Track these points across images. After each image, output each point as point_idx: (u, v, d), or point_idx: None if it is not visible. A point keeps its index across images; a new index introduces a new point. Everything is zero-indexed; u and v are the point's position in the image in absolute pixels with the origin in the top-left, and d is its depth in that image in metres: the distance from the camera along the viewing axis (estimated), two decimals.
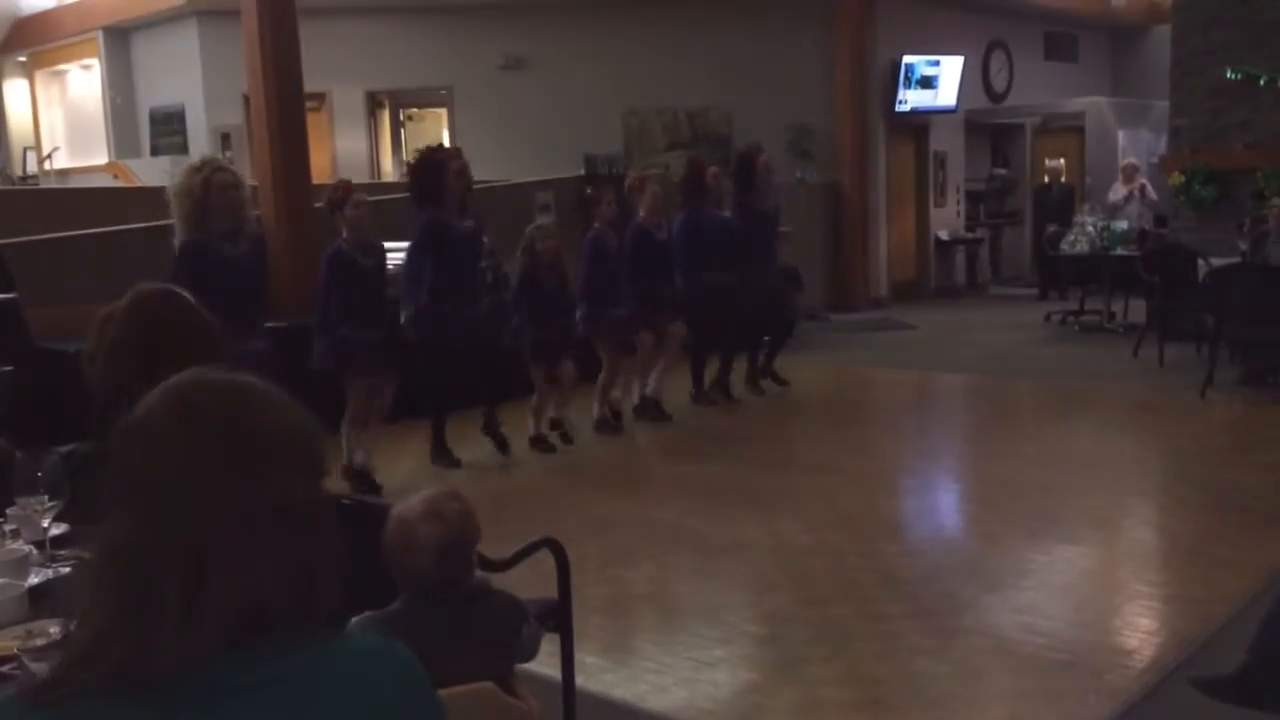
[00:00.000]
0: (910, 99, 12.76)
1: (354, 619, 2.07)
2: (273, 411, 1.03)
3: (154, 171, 11.42)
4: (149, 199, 8.86)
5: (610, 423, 6.81)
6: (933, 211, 13.64)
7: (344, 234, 5.53)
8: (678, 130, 12.25)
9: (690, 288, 7.06)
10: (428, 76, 12.17)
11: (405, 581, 2.08)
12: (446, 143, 12.66)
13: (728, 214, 7.37)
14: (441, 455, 6.11)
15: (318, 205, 6.98)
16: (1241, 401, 7.41)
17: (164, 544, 0.94)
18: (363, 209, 5.54)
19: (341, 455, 5.57)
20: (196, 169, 4.83)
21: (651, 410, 7.04)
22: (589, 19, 11.80)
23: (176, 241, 4.86)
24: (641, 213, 6.99)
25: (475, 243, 6.01)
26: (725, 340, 7.52)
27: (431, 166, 5.85)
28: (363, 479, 5.58)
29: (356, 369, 5.57)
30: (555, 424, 6.51)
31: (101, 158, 12.80)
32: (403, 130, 13.16)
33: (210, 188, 4.75)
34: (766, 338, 7.84)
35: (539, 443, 6.39)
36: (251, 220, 5.01)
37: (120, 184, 11.40)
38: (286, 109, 7.71)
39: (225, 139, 11.88)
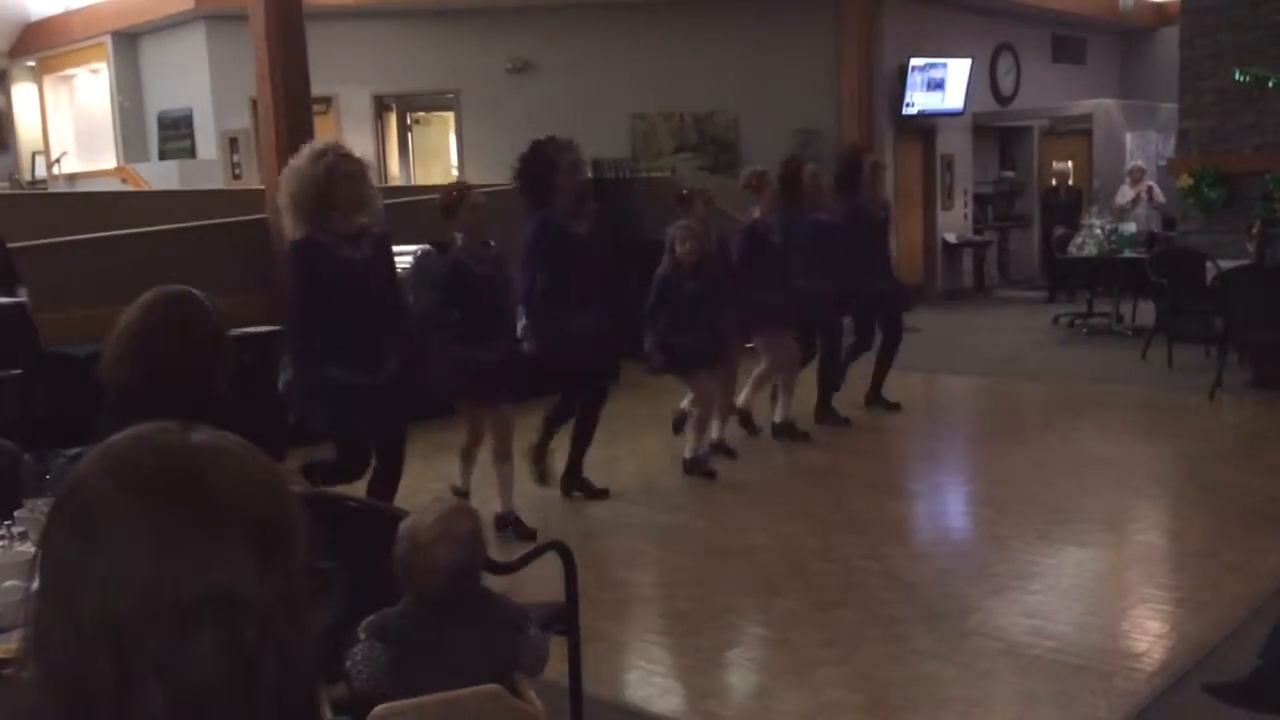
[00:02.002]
0: (917, 102, 12.75)
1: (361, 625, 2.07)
2: (224, 482, 0.88)
3: (162, 175, 11.47)
4: (162, 202, 8.90)
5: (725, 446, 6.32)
6: (940, 214, 13.62)
7: (459, 240, 4.94)
8: (684, 134, 12.26)
9: (786, 295, 6.49)
10: (435, 80, 12.20)
11: (413, 591, 2.09)
12: (454, 150, 12.76)
13: (826, 217, 6.78)
14: (579, 483, 5.58)
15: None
16: (1251, 404, 7.38)
17: (82, 642, 0.83)
18: (481, 211, 4.93)
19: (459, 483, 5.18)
20: (319, 153, 4.13)
21: (789, 431, 6.63)
22: (595, 23, 11.81)
23: (289, 238, 4.22)
24: (757, 212, 6.46)
25: (593, 246, 5.42)
26: (824, 354, 6.99)
27: (540, 163, 5.19)
28: (515, 524, 5.05)
29: (476, 393, 4.99)
30: (716, 445, 6.15)
31: (110, 162, 12.84)
32: (410, 134, 13.19)
33: (334, 177, 4.07)
34: (868, 351, 7.34)
35: (697, 466, 5.89)
36: (379, 215, 4.35)
37: (129, 188, 11.43)
38: (294, 112, 7.72)
39: (233, 143, 11.90)
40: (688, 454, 5.91)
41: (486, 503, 4.94)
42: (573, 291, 5.23)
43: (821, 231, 6.70)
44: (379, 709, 1.83)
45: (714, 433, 6.34)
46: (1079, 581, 4.37)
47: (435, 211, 5.00)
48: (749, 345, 6.65)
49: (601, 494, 5.57)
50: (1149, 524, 5.21)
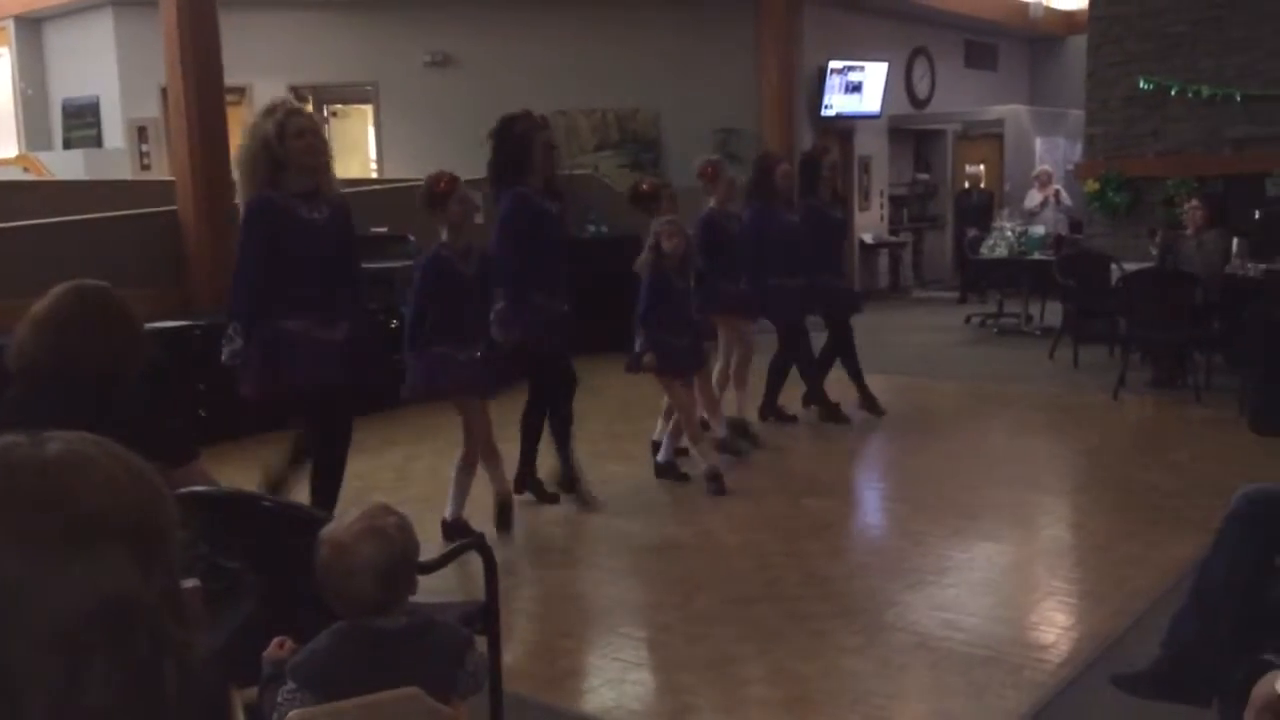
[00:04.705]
0: (836, 104, 12.93)
1: (269, 651, 1.98)
2: (90, 492, 0.82)
3: (67, 165, 11.12)
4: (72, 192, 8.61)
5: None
6: (857, 215, 13.83)
7: (443, 235, 4.66)
8: (606, 131, 12.25)
9: (759, 290, 6.51)
10: (353, 72, 12.01)
11: (341, 608, 1.91)
12: (372, 144, 12.57)
13: (797, 218, 6.79)
14: (532, 485, 5.40)
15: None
16: (1151, 402, 7.64)
17: None
18: (469, 205, 4.68)
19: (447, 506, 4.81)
20: (268, 112, 4.01)
21: (741, 432, 6.47)
22: (516, 17, 11.74)
23: (239, 199, 4.08)
24: (712, 202, 6.40)
25: (562, 230, 5.25)
26: (791, 355, 7.01)
27: (514, 138, 4.99)
28: (463, 531, 4.67)
29: (455, 392, 4.75)
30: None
31: (11, 150, 12.39)
32: (327, 126, 12.96)
33: (285, 133, 3.94)
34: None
35: (670, 470, 5.77)
36: (332, 181, 4.21)
37: (31, 177, 11.05)
38: (206, 103, 7.55)
39: (141, 132, 11.58)
40: (660, 458, 5.83)
41: (474, 518, 4.81)
42: (547, 273, 5.07)
43: (793, 230, 6.74)
44: (294, 714, 1.79)
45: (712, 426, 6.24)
46: (989, 576, 4.48)
47: (417, 204, 4.70)
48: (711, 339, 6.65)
49: (553, 499, 5.42)
50: (1055, 519, 5.35)
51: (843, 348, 7.29)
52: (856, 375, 7.29)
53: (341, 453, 4.27)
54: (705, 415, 6.09)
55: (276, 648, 1.96)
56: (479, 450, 4.81)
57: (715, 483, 5.52)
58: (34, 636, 0.77)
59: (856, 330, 7.37)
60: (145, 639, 0.81)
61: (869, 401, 7.26)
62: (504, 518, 4.90)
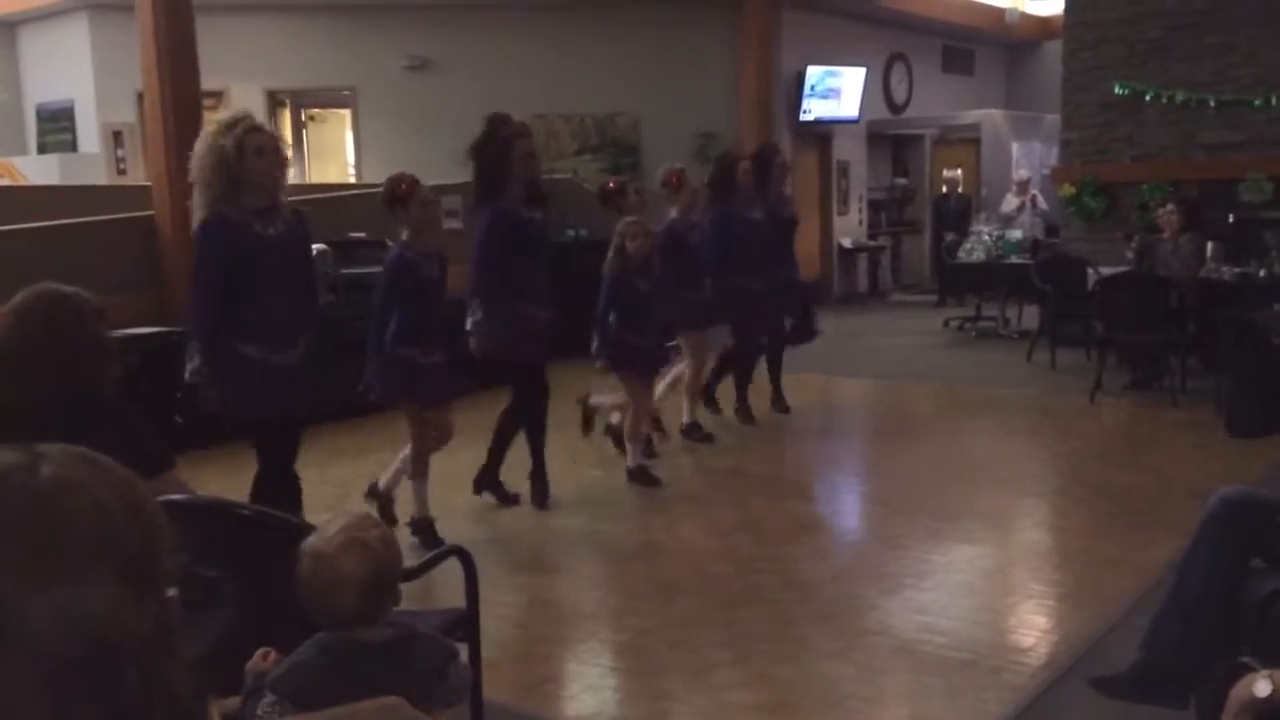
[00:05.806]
0: (814, 109, 12.98)
1: (252, 662, 1.95)
2: (83, 519, 0.79)
3: (42, 169, 11.02)
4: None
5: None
6: (836, 220, 13.89)
7: (405, 236, 4.70)
8: (585, 136, 12.26)
9: (722, 293, 6.56)
10: (330, 76, 11.97)
11: (323, 620, 1.88)
12: (350, 149, 12.53)
13: (759, 215, 6.86)
14: (493, 486, 5.47)
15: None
16: (1128, 405, 7.69)
17: None
18: (431, 207, 4.72)
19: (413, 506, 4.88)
20: (227, 126, 3.92)
21: (695, 434, 6.61)
22: (495, 22, 11.74)
23: (195, 217, 4.01)
24: (674, 212, 6.45)
25: (544, 237, 5.30)
26: (750, 352, 7.10)
27: (497, 143, 4.99)
28: (428, 532, 4.83)
29: (419, 397, 4.77)
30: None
31: None
32: (305, 131, 12.91)
33: (244, 151, 3.88)
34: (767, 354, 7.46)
35: (640, 475, 5.77)
36: (286, 195, 4.14)
37: (6, 182, 10.95)
38: (182, 107, 7.49)
39: (117, 137, 11.50)
40: (630, 464, 5.83)
41: (452, 525, 4.85)
42: (531, 282, 5.12)
43: (757, 228, 6.79)
44: None
45: (684, 416, 6.63)
46: (968, 579, 4.49)
47: (379, 204, 4.74)
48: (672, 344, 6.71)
49: (513, 499, 5.49)
50: (1034, 522, 5.38)
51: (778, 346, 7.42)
52: (750, 371, 7.36)
53: (288, 466, 4.23)
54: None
55: (260, 659, 1.93)
56: (427, 453, 4.88)
57: (640, 478, 5.75)
58: (19, 670, 0.74)
59: (836, 333, 7.41)
60: (134, 676, 0.77)
61: (702, 406, 7.19)
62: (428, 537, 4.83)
